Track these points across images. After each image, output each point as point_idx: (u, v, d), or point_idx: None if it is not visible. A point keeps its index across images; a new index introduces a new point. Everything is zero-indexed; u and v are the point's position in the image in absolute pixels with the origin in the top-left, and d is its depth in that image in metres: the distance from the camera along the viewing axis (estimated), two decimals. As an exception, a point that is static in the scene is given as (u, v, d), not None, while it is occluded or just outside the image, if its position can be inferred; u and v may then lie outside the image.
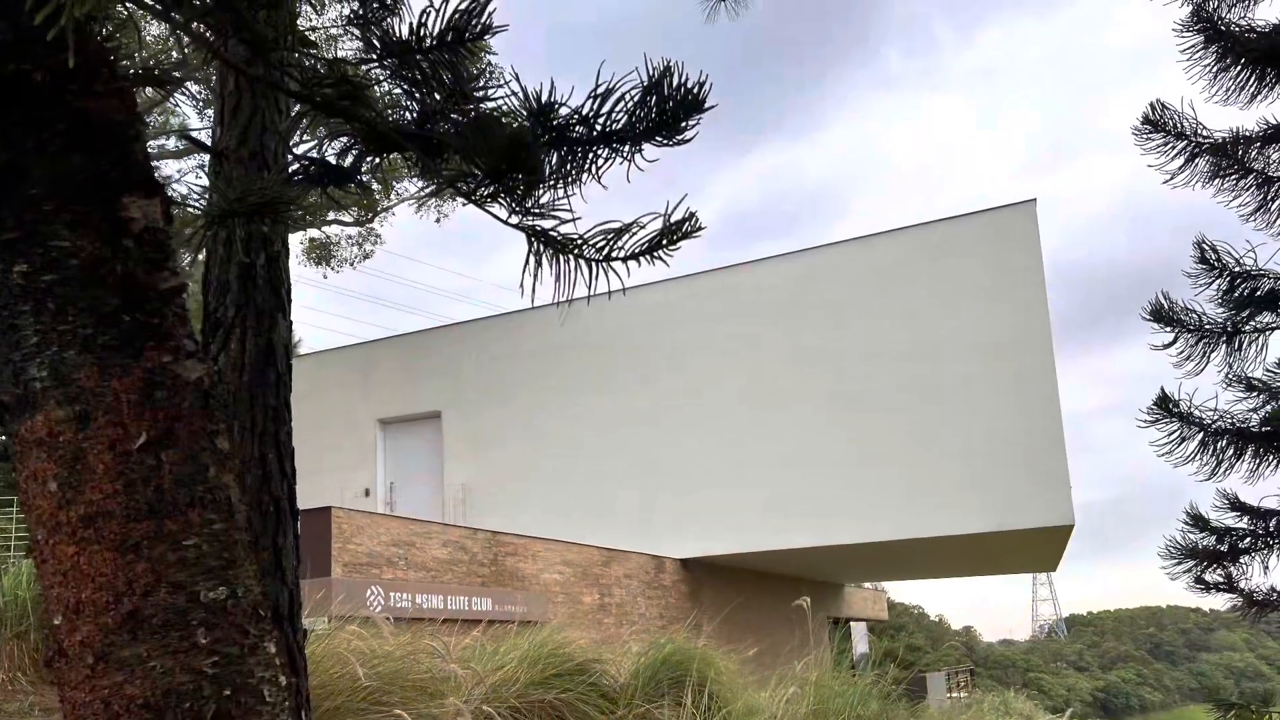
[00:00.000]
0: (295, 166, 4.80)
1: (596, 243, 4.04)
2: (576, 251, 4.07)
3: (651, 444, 28.78)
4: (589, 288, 4.12)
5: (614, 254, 4.06)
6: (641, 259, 4.09)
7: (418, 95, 4.16)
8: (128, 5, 3.54)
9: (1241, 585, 12.06)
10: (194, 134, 29.55)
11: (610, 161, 4.02)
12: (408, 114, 4.22)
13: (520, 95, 3.86)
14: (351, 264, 37.36)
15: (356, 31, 4.12)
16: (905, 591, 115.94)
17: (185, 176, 32.42)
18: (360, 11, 3.93)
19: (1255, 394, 11.71)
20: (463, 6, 3.87)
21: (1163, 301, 11.72)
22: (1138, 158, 11.89)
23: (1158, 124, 11.44)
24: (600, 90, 3.85)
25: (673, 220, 4.00)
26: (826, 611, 40.42)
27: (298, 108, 4.56)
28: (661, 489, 28.42)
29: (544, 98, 3.85)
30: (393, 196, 34.14)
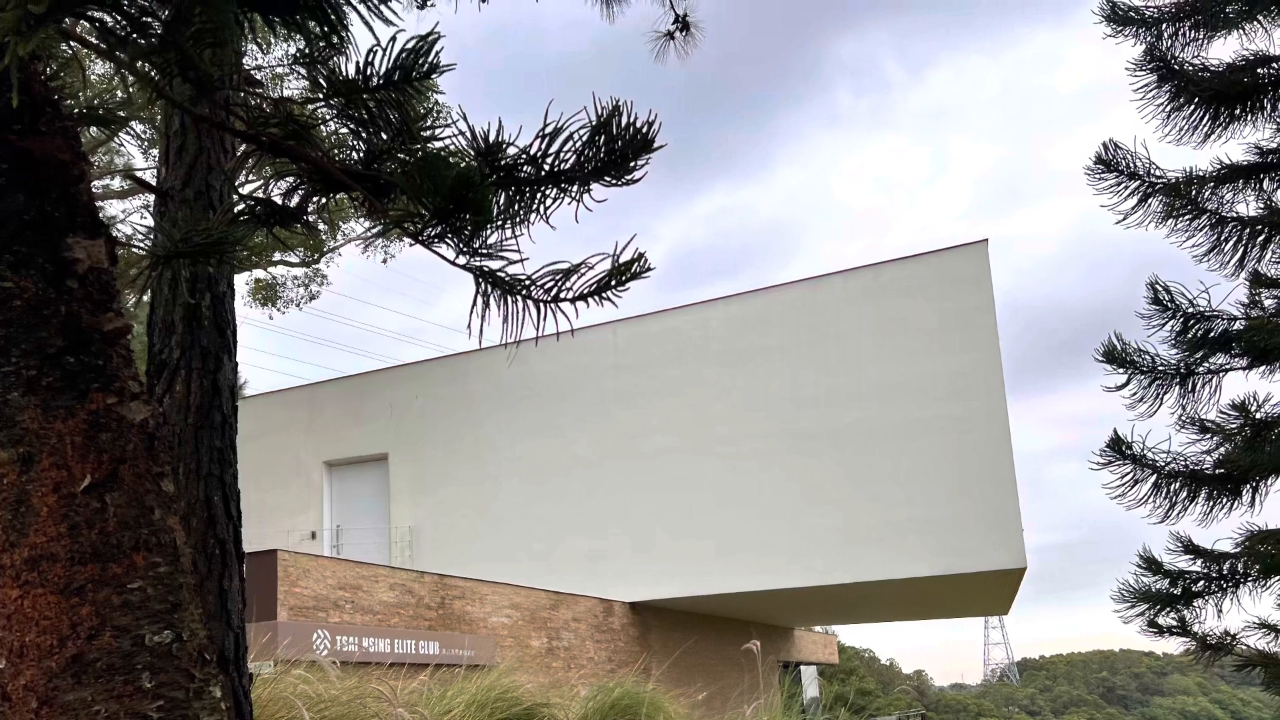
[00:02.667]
0: (241, 206, 4.77)
1: (545, 283, 4.03)
2: (524, 292, 4.06)
3: (599, 486, 28.74)
4: (537, 329, 4.11)
5: (562, 295, 4.05)
6: (590, 300, 4.08)
7: (364, 135, 4.15)
8: (72, 44, 3.52)
9: (1195, 629, 12.08)
10: (139, 173, 29.41)
11: (559, 202, 4.02)
12: (354, 154, 4.20)
13: (468, 135, 3.85)
14: (298, 305, 37.03)
15: (303, 70, 4.10)
16: (856, 635, 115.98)
17: (130, 217, 32.13)
18: (306, 50, 3.91)
19: (1209, 436, 11.76)
20: (410, 46, 3.87)
21: (1116, 343, 11.78)
22: (1091, 198, 12.01)
23: (1110, 164, 11.51)
24: (548, 130, 3.84)
25: (621, 261, 3.99)
26: (776, 655, 40.35)
27: (243, 147, 4.53)
28: (610, 532, 28.37)
29: (491, 137, 3.84)
30: (339, 237, 33.95)
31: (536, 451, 29.74)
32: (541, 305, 4.07)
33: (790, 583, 26.80)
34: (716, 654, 30.88)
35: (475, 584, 23.05)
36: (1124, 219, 11.57)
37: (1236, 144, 11.44)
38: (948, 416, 25.24)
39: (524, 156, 3.88)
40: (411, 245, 4.05)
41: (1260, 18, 10.90)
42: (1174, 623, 12.06)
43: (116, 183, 31.67)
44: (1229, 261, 11.63)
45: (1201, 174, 11.51)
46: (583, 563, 28.40)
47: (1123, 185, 11.56)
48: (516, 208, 4.01)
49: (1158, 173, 11.48)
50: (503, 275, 4.05)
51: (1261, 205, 11.61)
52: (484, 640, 22.12)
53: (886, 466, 25.74)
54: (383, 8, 3.34)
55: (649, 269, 4.07)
